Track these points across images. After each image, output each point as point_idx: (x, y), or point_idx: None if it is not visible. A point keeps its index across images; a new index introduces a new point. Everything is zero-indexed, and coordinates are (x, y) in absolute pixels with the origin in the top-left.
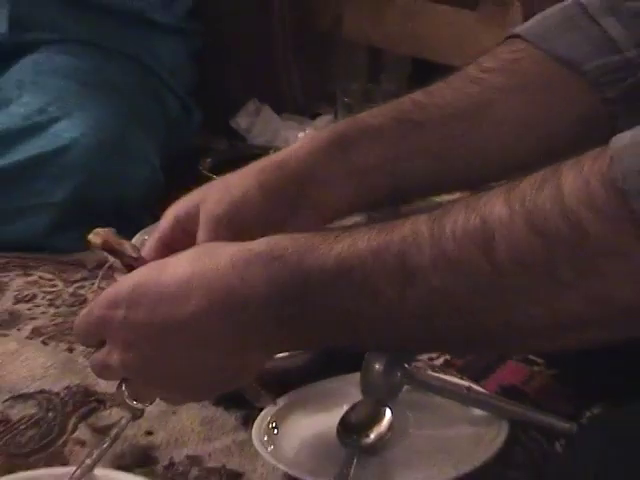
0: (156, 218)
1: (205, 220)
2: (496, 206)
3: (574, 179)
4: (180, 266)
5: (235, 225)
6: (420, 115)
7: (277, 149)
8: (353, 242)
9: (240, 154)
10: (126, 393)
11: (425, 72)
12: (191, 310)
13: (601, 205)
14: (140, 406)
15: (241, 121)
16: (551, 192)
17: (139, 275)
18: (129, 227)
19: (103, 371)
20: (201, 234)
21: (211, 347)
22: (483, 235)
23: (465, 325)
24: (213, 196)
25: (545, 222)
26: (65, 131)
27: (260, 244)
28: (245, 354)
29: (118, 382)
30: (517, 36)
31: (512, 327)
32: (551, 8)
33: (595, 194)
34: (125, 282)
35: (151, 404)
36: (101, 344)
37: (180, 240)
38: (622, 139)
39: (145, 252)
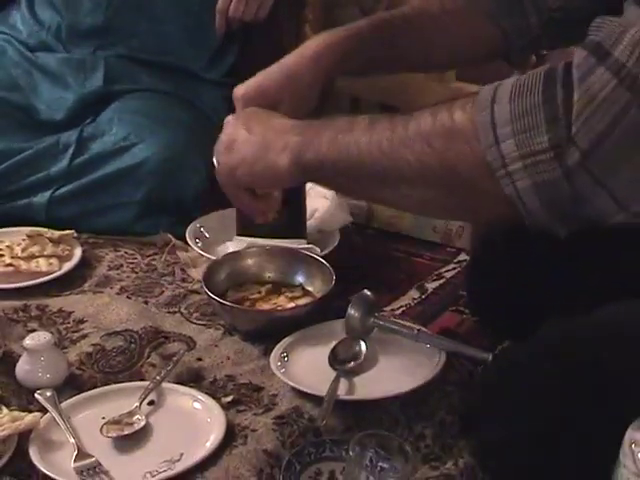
0: (205, 213)
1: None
2: (422, 111)
3: (462, 101)
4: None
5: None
6: (396, 31)
7: None
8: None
9: None
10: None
11: (390, 112)
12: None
13: (468, 110)
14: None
15: None
16: (449, 104)
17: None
18: (185, 218)
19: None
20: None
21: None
22: (406, 119)
23: (378, 167)
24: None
25: (439, 114)
26: (141, 152)
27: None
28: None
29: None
30: None
31: (396, 173)
32: None
33: (466, 106)
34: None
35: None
36: None
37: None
38: (486, 87)
39: None
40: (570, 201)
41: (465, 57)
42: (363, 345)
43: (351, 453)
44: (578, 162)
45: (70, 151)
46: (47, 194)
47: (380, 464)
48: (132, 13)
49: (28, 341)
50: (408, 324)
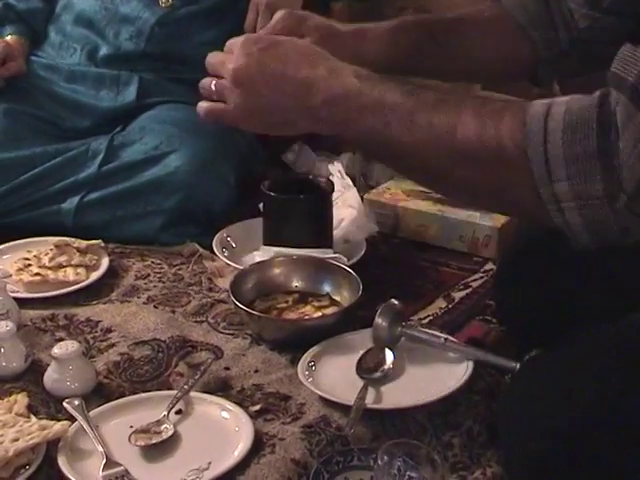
0: (232, 222)
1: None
2: (469, 115)
3: (510, 121)
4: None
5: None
6: (440, 37)
7: (314, 176)
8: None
9: (289, 179)
10: (214, 88)
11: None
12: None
13: (517, 138)
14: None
15: (289, 156)
16: (496, 119)
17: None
18: (213, 227)
19: (219, 65)
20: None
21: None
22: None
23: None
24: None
25: (486, 131)
26: (172, 161)
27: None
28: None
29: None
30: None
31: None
32: None
33: (514, 132)
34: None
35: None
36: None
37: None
38: (535, 106)
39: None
40: (616, 233)
41: (497, 69)
42: (390, 354)
43: (379, 462)
44: (625, 204)
45: (100, 157)
46: (75, 200)
47: (408, 473)
48: (174, 41)
49: (56, 350)
50: (435, 333)
